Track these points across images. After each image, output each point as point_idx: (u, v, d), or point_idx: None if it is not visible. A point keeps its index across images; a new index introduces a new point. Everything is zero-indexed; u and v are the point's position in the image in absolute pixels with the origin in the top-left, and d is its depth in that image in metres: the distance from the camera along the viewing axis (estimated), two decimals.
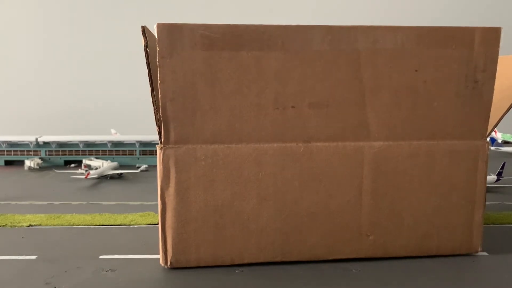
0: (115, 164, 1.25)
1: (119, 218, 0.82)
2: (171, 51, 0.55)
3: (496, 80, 0.61)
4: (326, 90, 0.59)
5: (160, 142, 0.59)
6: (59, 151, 1.34)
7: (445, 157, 0.63)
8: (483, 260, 0.65)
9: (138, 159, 1.33)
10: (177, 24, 0.55)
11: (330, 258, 0.63)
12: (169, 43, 0.55)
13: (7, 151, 1.34)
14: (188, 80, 0.56)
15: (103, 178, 1.16)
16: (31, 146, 1.33)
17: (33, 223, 0.79)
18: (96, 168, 1.20)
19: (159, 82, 0.56)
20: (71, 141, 1.35)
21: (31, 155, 1.33)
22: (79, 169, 1.20)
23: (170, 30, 0.55)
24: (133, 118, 1.66)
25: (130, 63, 1.53)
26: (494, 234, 0.74)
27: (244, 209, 0.61)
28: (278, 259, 0.62)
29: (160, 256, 0.61)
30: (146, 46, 0.55)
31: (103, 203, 0.93)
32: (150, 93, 0.57)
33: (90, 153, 1.34)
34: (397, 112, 0.61)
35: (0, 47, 1.82)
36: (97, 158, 1.31)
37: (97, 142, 1.35)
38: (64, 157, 1.34)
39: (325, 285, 0.57)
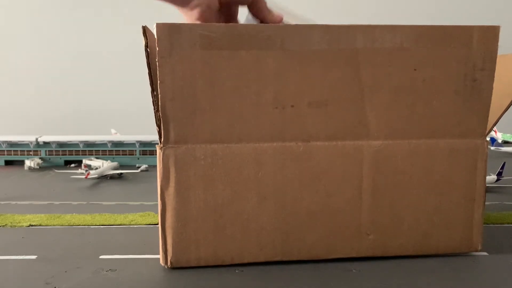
0: (115, 164, 1.25)
1: (119, 218, 0.82)
2: (170, 51, 0.55)
3: (495, 78, 0.61)
4: (325, 89, 0.59)
5: (160, 142, 0.59)
6: (59, 151, 1.34)
7: (444, 155, 0.63)
8: (483, 260, 0.65)
9: (138, 159, 1.33)
10: (176, 24, 0.55)
11: (330, 257, 0.63)
12: (169, 43, 0.55)
13: (7, 151, 1.34)
14: (187, 79, 0.56)
15: (103, 178, 1.16)
16: (31, 146, 1.33)
17: (33, 223, 0.79)
18: (96, 168, 1.20)
19: (158, 82, 0.56)
20: (71, 141, 1.35)
21: (31, 155, 1.33)
22: (79, 169, 1.20)
23: (169, 30, 0.55)
24: (133, 118, 1.66)
25: (130, 63, 1.53)
26: (494, 234, 0.74)
27: (244, 209, 0.61)
28: (278, 258, 0.62)
29: (160, 256, 0.61)
30: (146, 46, 0.55)
31: (103, 203, 0.93)
32: (150, 93, 0.57)
33: (90, 153, 1.34)
34: (396, 111, 0.61)
35: (1, 47, 1.82)
36: (97, 158, 1.31)
37: (97, 142, 1.35)
38: (64, 157, 1.34)
39: (325, 285, 0.57)
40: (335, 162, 0.61)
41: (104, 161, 1.26)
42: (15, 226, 0.78)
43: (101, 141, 1.35)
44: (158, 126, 0.58)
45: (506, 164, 1.07)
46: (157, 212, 0.62)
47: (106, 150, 1.34)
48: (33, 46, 1.83)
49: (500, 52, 0.61)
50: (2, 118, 1.80)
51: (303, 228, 0.62)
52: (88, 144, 1.34)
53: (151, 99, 0.57)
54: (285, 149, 0.60)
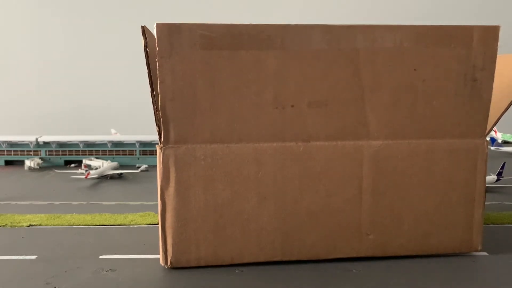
0: (115, 164, 1.25)
1: (119, 218, 0.82)
2: (170, 51, 0.55)
3: (495, 78, 0.61)
4: (325, 89, 0.59)
5: (160, 142, 0.59)
6: (59, 151, 1.34)
7: (444, 155, 0.63)
8: (483, 260, 0.65)
9: (138, 159, 1.33)
10: (176, 24, 0.55)
11: (330, 257, 0.63)
12: (169, 43, 0.55)
13: (7, 151, 1.34)
14: (187, 79, 0.56)
15: (103, 178, 1.16)
16: (31, 146, 1.33)
17: (33, 223, 0.79)
18: (96, 168, 1.20)
19: (158, 82, 0.56)
20: (71, 141, 1.35)
21: (31, 155, 1.33)
22: (79, 169, 1.20)
23: (169, 30, 0.55)
24: (133, 118, 1.66)
25: (130, 63, 1.53)
26: (494, 234, 0.74)
27: (244, 209, 0.61)
28: (278, 258, 0.62)
29: (160, 256, 0.61)
30: (145, 46, 0.55)
31: (103, 203, 0.93)
32: (150, 93, 0.57)
33: (90, 153, 1.34)
34: (396, 111, 0.61)
35: (0, 46, 1.82)
36: (97, 158, 1.31)
37: (97, 142, 1.35)
38: (64, 157, 1.34)
39: (325, 285, 0.57)
40: (335, 162, 0.61)
41: (104, 161, 1.26)
42: (15, 226, 0.78)
43: (101, 141, 1.35)
44: (158, 126, 0.58)
45: (506, 164, 1.07)
46: (157, 212, 0.62)
47: (106, 150, 1.33)
48: (33, 46, 1.83)
49: (500, 52, 0.61)
50: (2, 118, 1.80)
51: (303, 228, 0.62)
52: (88, 144, 1.34)
53: (151, 99, 0.57)
54: (285, 149, 0.60)
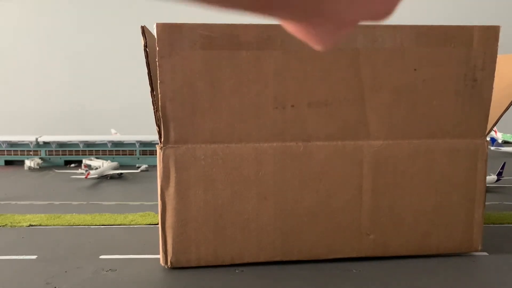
0: (115, 164, 1.25)
1: (119, 218, 0.82)
2: (170, 51, 0.55)
3: (495, 78, 0.61)
4: (325, 89, 0.59)
5: (160, 141, 0.59)
6: (59, 151, 1.34)
7: (444, 155, 0.63)
8: (483, 260, 0.65)
9: (138, 159, 1.33)
10: (176, 24, 0.55)
11: (330, 257, 0.63)
12: (169, 43, 0.55)
13: (7, 151, 1.34)
14: (187, 79, 0.56)
15: (103, 178, 1.16)
16: (31, 146, 1.33)
17: (33, 223, 0.79)
18: (96, 168, 1.20)
19: (158, 82, 0.56)
20: (71, 141, 1.35)
21: (31, 155, 1.33)
22: (79, 169, 1.20)
23: (169, 30, 0.55)
24: (133, 118, 1.66)
25: (130, 63, 1.53)
26: (494, 234, 0.74)
27: (244, 209, 0.61)
28: (278, 258, 0.62)
29: (160, 256, 0.61)
30: (145, 46, 0.55)
31: (103, 203, 0.93)
32: (150, 93, 0.57)
33: (90, 153, 1.34)
34: (396, 111, 0.61)
35: (1, 47, 1.82)
36: (97, 158, 1.31)
37: (97, 142, 1.35)
38: (64, 157, 1.34)
39: (325, 285, 0.57)
40: (335, 162, 0.61)
41: (104, 161, 1.26)
42: (15, 226, 0.78)
43: (101, 141, 1.35)
44: (158, 126, 0.58)
45: (506, 164, 1.07)
46: (157, 212, 0.62)
47: (106, 150, 1.33)
48: (34, 46, 1.83)
49: (500, 52, 0.61)
50: (2, 118, 1.80)
51: (303, 228, 0.62)
52: (88, 144, 1.34)
53: (151, 99, 0.57)
54: (285, 149, 0.60)
